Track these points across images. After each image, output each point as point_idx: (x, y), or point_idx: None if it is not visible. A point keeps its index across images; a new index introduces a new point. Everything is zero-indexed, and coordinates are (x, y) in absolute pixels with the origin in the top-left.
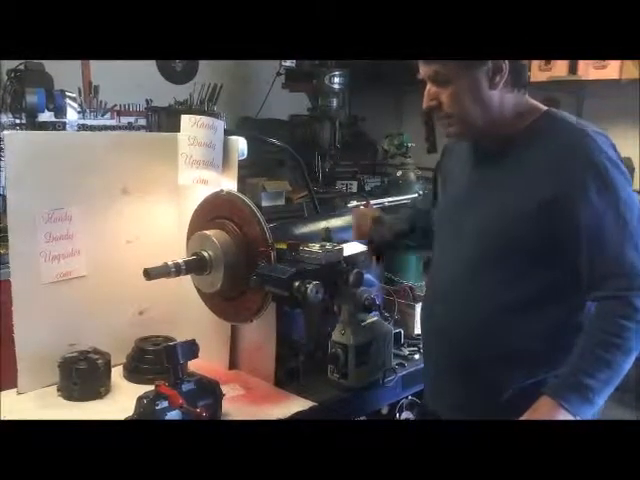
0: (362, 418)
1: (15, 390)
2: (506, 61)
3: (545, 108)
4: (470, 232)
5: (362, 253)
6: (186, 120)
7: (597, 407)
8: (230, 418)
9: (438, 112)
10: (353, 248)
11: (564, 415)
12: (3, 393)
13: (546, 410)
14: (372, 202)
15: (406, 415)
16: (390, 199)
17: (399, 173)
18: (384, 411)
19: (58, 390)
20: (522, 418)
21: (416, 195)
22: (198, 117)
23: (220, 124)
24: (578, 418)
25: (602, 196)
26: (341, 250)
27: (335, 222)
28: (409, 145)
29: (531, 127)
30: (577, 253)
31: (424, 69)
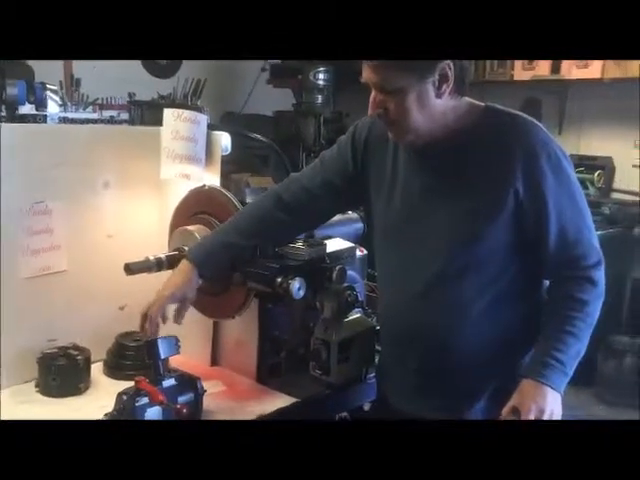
0: (344, 414)
1: None
2: (452, 70)
3: (483, 104)
4: (437, 239)
5: (345, 249)
6: (169, 114)
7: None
8: (211, 414)
9: (384, 119)
10: (336, 244)
11: (549, 392)
12: None
13: (531, 392)
14: None
15: None
16: None
17: None
18: (366, 407)
19: (36, 386)
20: (509, 404)
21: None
22: (181, 111)
23: (203, 118)
24: (560, 392)
25: (558, 180)
26: (324, 246)
27: None
28: None
29: (475, 124)
30: (544, 240)
31: (370, 76)
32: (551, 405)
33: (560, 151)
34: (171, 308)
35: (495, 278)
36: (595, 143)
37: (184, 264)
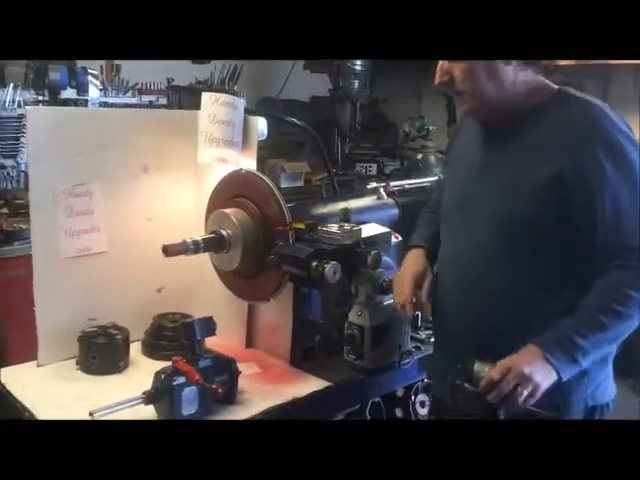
0: (377, 400)
1: (35, 362)
2: None
3: (557, 87)
4: (483, 213)
5: (381, 235)
6: (206, 98)
7: (580, 367)
8: (246, 395)
9: (450, 88)
10: (372, 229)
11: (546, 368)
12: (23, 365)
13: (529, 358)
14: (392, 184)
15: (421, 398)
16: (410, 181)
17: (419, 156)
18: (399, 393)
19: (77, 363)
20: (505, 362)
21: (436, 178)
22: (219, 95)
23: (240, 102)
24: (560, 375)
25: (617, 171)
26: (359, 231)
27: (354, 203)
28: (430, 128)
29: (544, 105)
30: (591, 229)
31: None
32: (539, 381)
33: (625, 138)
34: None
35: (538, 257)
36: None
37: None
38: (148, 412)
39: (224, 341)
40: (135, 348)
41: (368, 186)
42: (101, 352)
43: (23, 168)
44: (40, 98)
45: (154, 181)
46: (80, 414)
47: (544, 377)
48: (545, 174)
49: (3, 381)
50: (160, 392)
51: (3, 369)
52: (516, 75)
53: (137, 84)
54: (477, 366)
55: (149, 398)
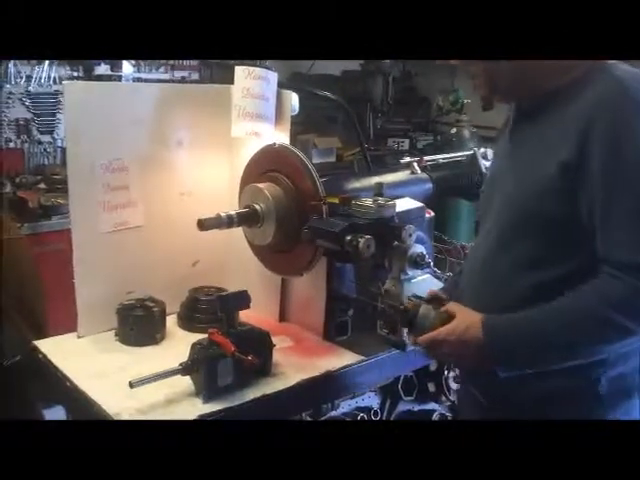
0: (410, 374)
1: (75, 334)
2: None
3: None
4: (498, 201)
5: (415, 209)
6: (240, 71)
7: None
8: (280, 368)
9: (467, 69)
10: (406, 204)
11: (480, 356)
12: (63, 337)
13: (467, 340)
14: (425, 158)
15: (454, 372)
16: (444, 156)
17: (453, 130)
18: (432, 367)
19: (116, 335)
20: (438, 333)
21: (470, 152)
22: (252, 68)
23: (274, 76)
24: (492, 359)
25: (625, 165)
26: (394, 205)
27: (388, 178)
28: (464, 102)
29: (577, 81)
30: (591, 227)
31: None
32: (465, 364)
33: None
34: None
35: (545, 251)
36: None
37: None
38: (184, 383)
39: (258, 315)
40: (171, 321)
41: (402, 160)
42: (138, 324)
43: (59, 144)
44: (75, 74)
45: (188, 156)
46: (120, 384)
47: (473, 362)
48: (554, 161)
49: (44, 351)
50: (196, 363)
51: (44, 340)
52: None
53: (169, 60)
54: (423, 309)
55: (186, 369)
